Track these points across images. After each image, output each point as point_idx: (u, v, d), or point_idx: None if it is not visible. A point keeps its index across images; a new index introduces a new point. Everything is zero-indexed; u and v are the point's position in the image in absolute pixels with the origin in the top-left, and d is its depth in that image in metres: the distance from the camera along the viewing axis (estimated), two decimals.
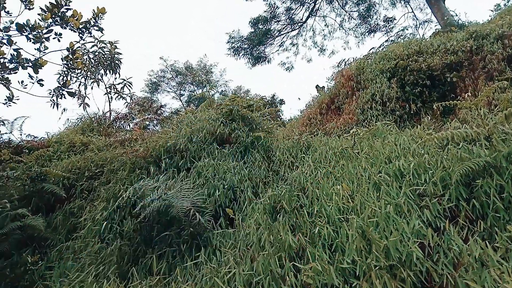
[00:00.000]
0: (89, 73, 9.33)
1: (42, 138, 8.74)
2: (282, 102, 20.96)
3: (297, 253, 3.79)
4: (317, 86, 15.00)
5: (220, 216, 5.30)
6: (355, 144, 6.05)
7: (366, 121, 9.14)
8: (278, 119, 14.67)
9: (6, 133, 8.18)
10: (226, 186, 5.72)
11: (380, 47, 15.59)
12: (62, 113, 11.29)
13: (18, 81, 6.87)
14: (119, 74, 9.84)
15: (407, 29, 21.54)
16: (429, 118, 7.45)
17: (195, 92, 25.06)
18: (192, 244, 4.73)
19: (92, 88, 9.72)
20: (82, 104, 9.43)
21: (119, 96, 10.55)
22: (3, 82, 6.96)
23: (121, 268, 4.54)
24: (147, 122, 12.42)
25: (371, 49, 14.49)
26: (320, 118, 10.52)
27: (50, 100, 8.39)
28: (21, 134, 8.46)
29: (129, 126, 10.71)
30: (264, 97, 19.10)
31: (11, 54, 6.64)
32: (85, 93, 9.41)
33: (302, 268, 3.42)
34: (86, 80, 9.47)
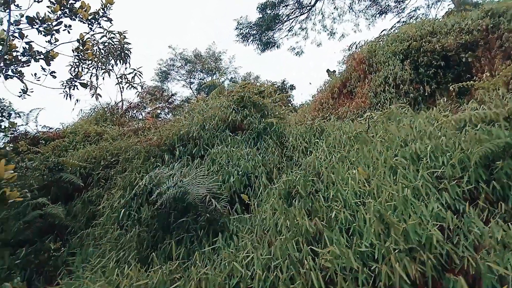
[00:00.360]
0: (99, 63, 9.36)
1: (57, 129, 8.88)
2: (292, 87, 20.79)
3: (314, 238, 3.81)
4: (328, 70, 14.82)
5: (236, 202, 5.34)
6: (369, 128, 5.99)
7: (379, 104, 9.02)
8: (289, 104, 14.58)
9: (22, 124, 8.33)
10: (240, 173, 5.75)
11: (391, 28, 15.22)
12: (75, 104, 11.40)
13: (32, 74, 6.96)
14: (129, 64, 9.86)
15: (419, 9, 20.96)
16: (445, 99, 7.31)
17: (204, 79, 25.02)
18: (209, 229, 4.79)
19: (103, 78, 9.77)
20: (95, 95, 9.51)
21: (130, 86, 10.60)
22: (16, 75, 7.05)
23: (141, 253, 4.64)
24: (159, 111, 12.48)
25: (382, 31, 14.16)
26: (332, 102, 10.42)
27: (63, 91, 8.49)
28: (36, 126, 8.61)
29: (141, 115, 10.81)
30: (275, 83, 18.95)
31: (23, 47, 6.70)
32: (97, 83, 9.48)
33: (320, 252, 3.44)
34: (97, 71, 9.52)
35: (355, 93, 10.33)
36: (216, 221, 4.94)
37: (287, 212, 4.31)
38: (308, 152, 6.14)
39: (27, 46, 6.73)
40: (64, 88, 8.53)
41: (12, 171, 3.66)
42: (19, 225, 5.57)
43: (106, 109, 10.14)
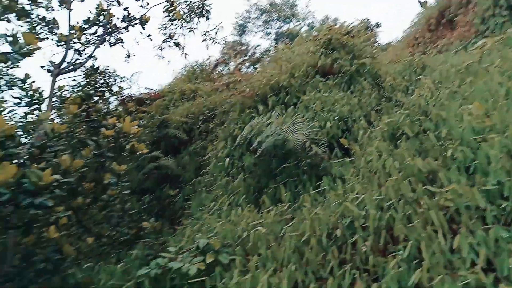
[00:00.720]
0: (184, 22, 9.67)
1: (157, 90, 9.61)
2: (378, 25, 19.16)
3: (427, 178, 3.65)
4: (419, 1, 13.25)
5: (334, 147, 5.32)
6: (482, 58, 5.31)
7: (488, 31, 7.89)
8: (377, 43, 13.55)
9: (127, 88, 9.18)
10: (336, 117, 5.65)
11: None
12: (168, 64, 12.08)
13: (132, 39, 7.54)
14: (210, 20, 10.02)
15: None
16: None
17: (282, 28, 24.36)
18: (312, 174, 4.90)
19: (190, 37, 10.12)
20: (183, 54, 9.97)
21: (214, 42, 10.83)
22: (119, 42, 7.67)
23: (249, 197, 4.97)
24: (241, 65, 12.63)
25: None
26: (429, 35, 9.42)
27: (157, 53, 9.07)
28: (139, 88, 9.42)
29: (228, 70, 11.08)
30: (363, 21, 17.62)
31: (123, 14, 7.19)
32: (184, 43, 9.89)
33: (438, 191, 3.30)
34: (183, 30, 9.89)
35: (456, 22, 9.15)
36: (317, 166, 5.01)
37: (394, 153, 4.16)
38: (410, 91, 5.73)
39: (126, 13, 7.19)
40: (158, 49, 9.12)
41: (136, 127, 4.11)
42: (140, 176, 6.35)
43: (196, 67, 10.63)
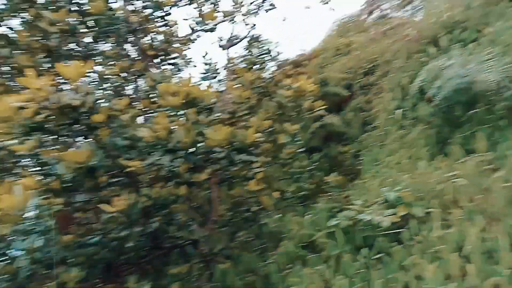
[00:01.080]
0: None
1: (311, 50, 9.58)
2: None
3: None
4: None
5: None
6: None
7: None
8: None
9: (282, 52, 9.44)
10: None
11: None
12: (317, 23, 11.91)
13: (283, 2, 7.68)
14: None
15: None
16: None
17: None
18: (511, 118, 4.16)
19: None
20: (331, 9, 9.64)
21: None
22: (272, 7, 7.91)
23: (432, 149, 4.58)
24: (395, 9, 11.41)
25: None
26: None
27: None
28: (293, 50, 9.58)
29: (378, 18, 10.19)
30: None
31: None
32: None
33: None
34: None
35: None
36: None
37: None
38: None
39: None
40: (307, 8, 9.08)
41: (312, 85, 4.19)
42: (307, 135, 6.58)
43: (346, 19, 10.17)
